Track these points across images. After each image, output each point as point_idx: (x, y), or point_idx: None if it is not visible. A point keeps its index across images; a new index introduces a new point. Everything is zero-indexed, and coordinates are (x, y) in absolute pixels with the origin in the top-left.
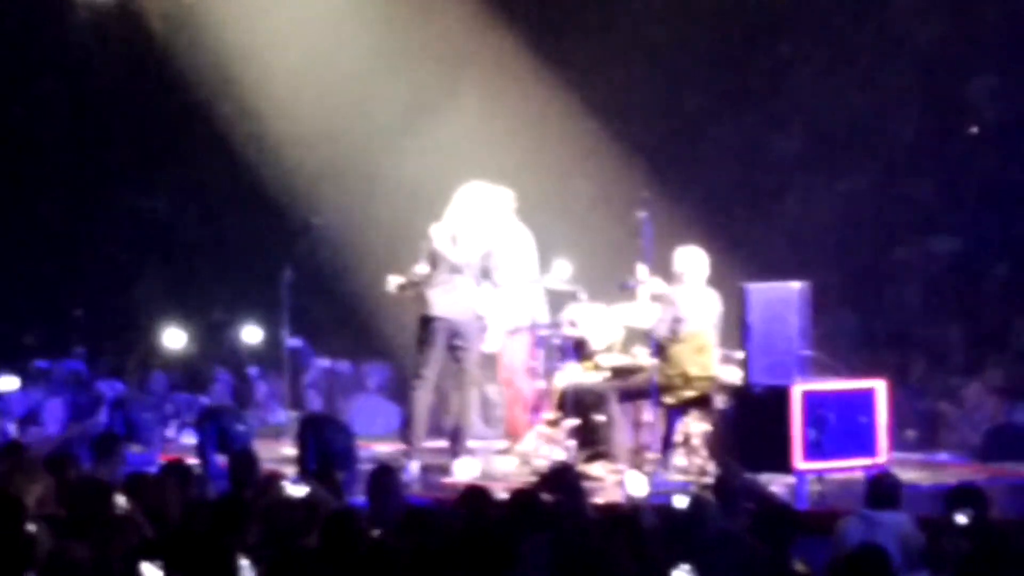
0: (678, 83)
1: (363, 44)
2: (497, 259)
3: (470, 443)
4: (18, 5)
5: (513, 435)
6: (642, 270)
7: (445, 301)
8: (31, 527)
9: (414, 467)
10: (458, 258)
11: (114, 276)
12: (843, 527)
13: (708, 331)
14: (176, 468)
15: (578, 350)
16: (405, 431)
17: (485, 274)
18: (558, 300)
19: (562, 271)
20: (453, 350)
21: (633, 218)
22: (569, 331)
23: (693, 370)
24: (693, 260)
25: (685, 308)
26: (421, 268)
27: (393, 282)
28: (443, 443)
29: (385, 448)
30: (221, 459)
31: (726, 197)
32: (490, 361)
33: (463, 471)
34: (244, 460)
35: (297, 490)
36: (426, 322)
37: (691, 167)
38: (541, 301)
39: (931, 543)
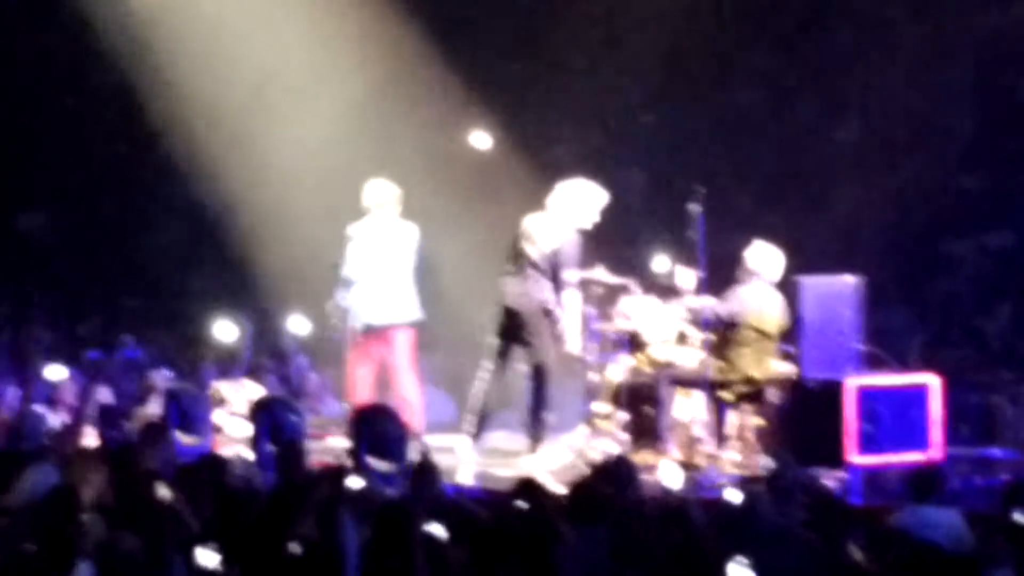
0: (731, 75)
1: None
2: (564, 257)
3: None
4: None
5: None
6: (681, 272)
7: (516, 292)
8: (84, 517)
9: (474, 459)
10: (533, 252)
11: (167, 267)
12: (894, 522)
13: (771, 334)
14: (211, 459)
15: (632, 343)
16: (468, 422)
17: (555, 270)
18: (612, 294)
19: (661, 265)
20: (519, 342)
21: (686, 211)
22: (622, 324)
23: (754, 374)
24: (769, 259)
25: (750, 309)
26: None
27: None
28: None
29: (443, 439)
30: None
31: (780, 190)
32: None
33: (530, 463)
34: (292, 452)
35: (353, 482)
36: (498, 312)
37: (745, 160)
38: (413, 297)
39: (985, 540)
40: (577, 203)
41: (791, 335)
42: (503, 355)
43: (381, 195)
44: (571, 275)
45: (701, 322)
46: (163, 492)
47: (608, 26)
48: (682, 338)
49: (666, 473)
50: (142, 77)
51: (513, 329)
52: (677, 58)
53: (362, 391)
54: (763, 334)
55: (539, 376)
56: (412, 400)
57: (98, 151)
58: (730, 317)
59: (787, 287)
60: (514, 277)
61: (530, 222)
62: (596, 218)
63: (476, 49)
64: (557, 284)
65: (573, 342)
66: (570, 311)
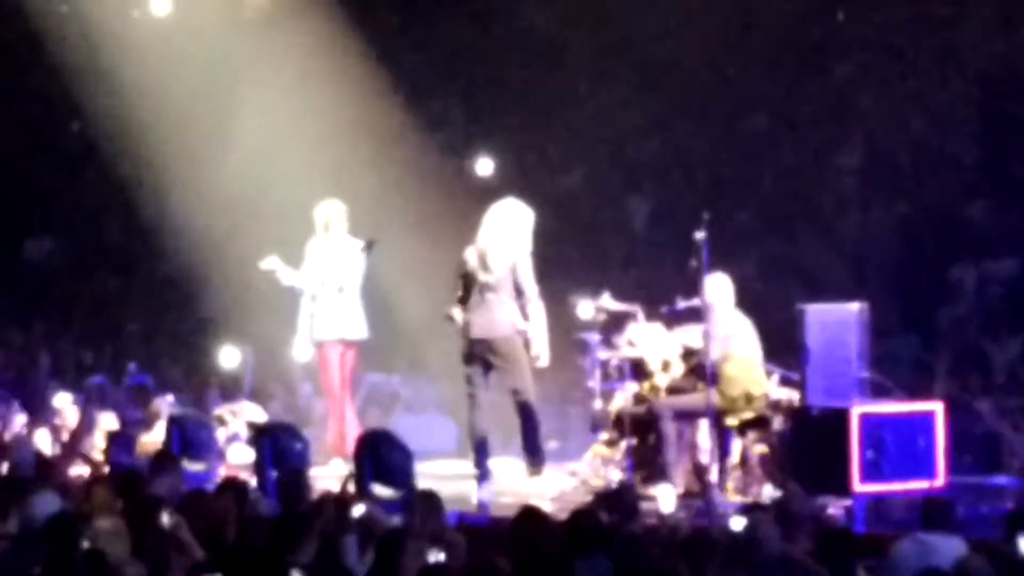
0: (737, 102)
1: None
2: (522, 272)
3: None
4: None
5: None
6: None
7: (481, 322)
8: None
9: (485, 490)
10: (489, 277)
11: (171, 294)
12: (899, 550)
13: (755, 355)
14: (233, 485)
15: (636, 370)
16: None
17: (517, 289)
18: (617, 321)
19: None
20: (496, 369)
21: (691, 239)
22: (627, 351)
23: (754, 389)
24: (720, 287)
25: (732, 334)
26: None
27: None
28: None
29: (445, 465)
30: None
31: (785, 217)
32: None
33: (533, 490)
34: (294, 479)
35: (355, 510)
36: (466, 344)
37: (751, 188)
38: (360, 313)
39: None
40: (517, 220)
41: (794, 362)
42: (481, 386)
43: (330, 213)
44: (533, 290)
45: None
46: (167, 519)
47: (614, 53)
48: (687, 363)
49: (663, 498)
50: (142, 101)
51: (487, 357)
52: (682, 85)
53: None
54: (746, 356)
55: (525, 404)
56: (352, 417)
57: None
58: (720, 351)
59: (791, 315)
60: (475, 309)
61: (474, 252)
62: (529, 236)
63: (481, 75)
64: (521, 302)
65: (545, 356)
66: (538, 325)
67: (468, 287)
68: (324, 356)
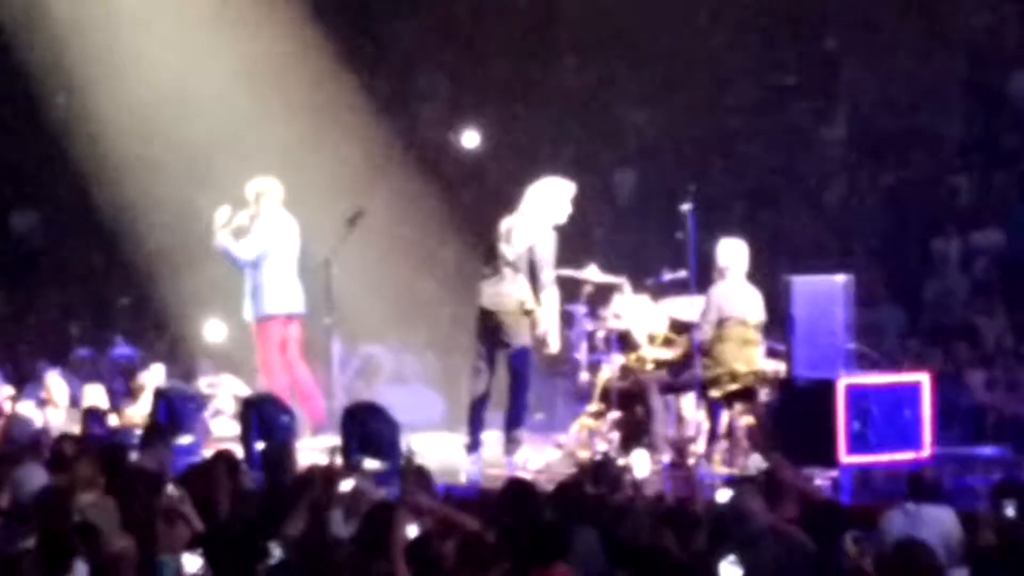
0: (726, 77)
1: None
2: (540, 253)
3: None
4: None
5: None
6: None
7: (491, 292)
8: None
9: (472, 460)
10: (509, 251)
11: (158, 268)
12: (886, 521)
13: (752, 325)
14: (226, 458)
15: (622, 342)
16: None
17: (533, 270)
18: (603, 293)
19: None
20: (499, 344)
21: (678, 212)
22: (614, 323)
23: (739, 366)
24: (736, 253)
25: (729, 304)
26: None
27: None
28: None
29: (433, 438)
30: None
31: (771, 189)
32: None
33: (519, 462)
34: (281, 451)
35: (343, 483)
36: (477, 314)
37: (737, 159)
38: (298, 287)
39: (969, 537)
40: (548, 201)
41: (780, 333)
42: (486, 358)
43: (263, 190)
44: (548, 275)
45: (691, 342)
46: (170, 492)
47: (602, 29)
48: (674, 336)
49: (637, 464)
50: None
51: (491, 330)
52: (670, 60)
53: (279, 377)
54: (743, 326)
55: (519, 376)
56: (317, 390)
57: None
58: (715, 321)
59: (777, 286)
60: (490, 278)
61: (505, 224)
62: (568, 211)
63: (469, 50)
64: (535, 284)
65: (555, 342)
66: (550, 310)
67: (492, 257)
68: (263, 331)
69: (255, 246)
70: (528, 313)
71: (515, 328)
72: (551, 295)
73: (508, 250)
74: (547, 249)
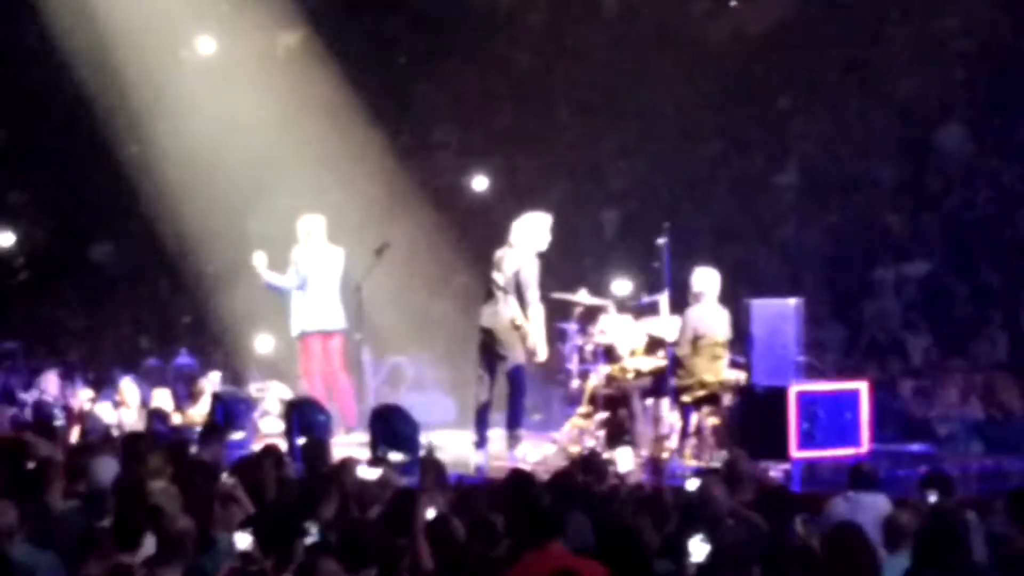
0: (695, 131)
1: None
2: (524, 278)
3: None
4: None
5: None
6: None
7: (488, 312)
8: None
9: (480, 454)
10: (499, 278)
11: (215, 291)
12: (830, 506)
13: (721, 342)
14: (272, 452)
15: (607, 355)
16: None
17: (519, 291)
18: (591, 313)
19: (623, 288)
20: (497, 356)
21: (655, 245)
22: (600, 338)
23: (708, 377)
24: (709, 279)
25: (703, 324)
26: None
27: (258, 259)
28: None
29: (446, 435)
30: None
31: (733, 226)
32: None
33: (520, 456)
34: (315, 446)
35: (370, 472)
36: (479, 332)
37: (704, 201)
38: (339, 308)
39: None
40: (531, 232)
41: (741, 348)
42: (487, 368)
43: (312, 226)
44: (532, 294)
45: (667, 355)
46: (225, 480)
47: (590, 90)
48: (650, 349)
49: (621, 459)
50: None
51: (490, 344)
52: (647, 116)
53: (319, 388)
54: (714, 343)
55: (516, 383)
56: (352, 395)
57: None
58: (691, 338)
59: (738, 308)
60: (487, 301)
61: (498, 254)
62: (548, 239)
63: (477, 107)
64: (522, 303)
65: (542, 351)
66: (536, 324)
67: (490, 283)
68: (306, 345)
69: (296, 276)
70: (518, 328)
71: (509, 343)
72: (536, 312)
73: (499, 276)
74: (531, 273)
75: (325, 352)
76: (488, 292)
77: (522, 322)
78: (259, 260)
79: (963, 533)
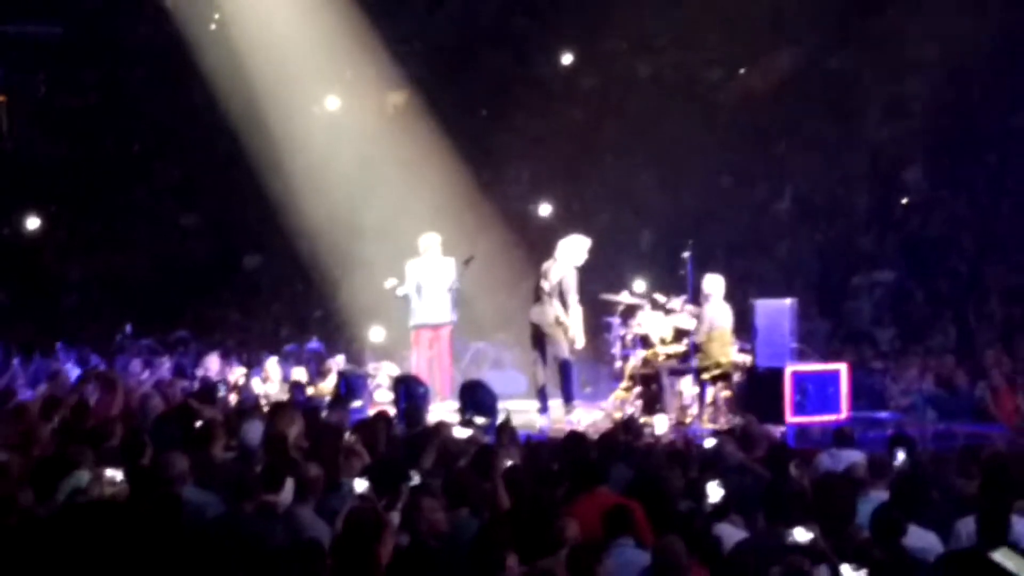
0: (713, 168)
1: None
2: (566, 285)
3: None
4: None
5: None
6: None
7: (536, 311)
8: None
9: (543, 418)
10: (546, 284)
11: (339, 291)
12: (817, 460)
13: (728, 331)
14: (383, 416)
15: (643, 342)
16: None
17: (561, 295)
18: (631, 310)
19: (638, 287)
20: (545, 346)
21: (680, 258)
22: (637, 329)
23: (721, 359)
24: (715, 283)
25: (717, 319)
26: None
27: (389, 283)
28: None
29: (518, 403)
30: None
31: (742, 243)
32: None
33: (575, 420)
34: (417, 412)
35: (461, 432)
36: (530, 327)
37: (719, 223)
38: (447, 306)
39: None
40: (572, 250)
41: (748, 337)
42: (540, 351)
43: (430, 242)
44: (572, 298)
45: (689, 343)
46: (348, 438)
47: (630, 135)
48: (676, 338)
49: (658, 424)
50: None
51: (540, 336)
52: (676, 157)
53: (423, 367)
54: (724, 332)
55: (564, 366)
56: (449, 372)
57: (296, 215)
58: (707, 330)
59: (745, 307)
60: (536, 303)
61: (545, 266)
62: (585, 257)
63: (542, 151)
64: (565, 305)
65: (580, 341)
66: (575, 321)
67: (538, 288)
68: (417, 335)
69: (411, 284)
70: (560, 324)
71: (554, 336)
72: (576, 312)
73: (546, 284)
74: (571, 282)
75: (434, 339)
76: (536, 295)
77: (564, 319)
78: (390, 283)
79: (929, 481)
